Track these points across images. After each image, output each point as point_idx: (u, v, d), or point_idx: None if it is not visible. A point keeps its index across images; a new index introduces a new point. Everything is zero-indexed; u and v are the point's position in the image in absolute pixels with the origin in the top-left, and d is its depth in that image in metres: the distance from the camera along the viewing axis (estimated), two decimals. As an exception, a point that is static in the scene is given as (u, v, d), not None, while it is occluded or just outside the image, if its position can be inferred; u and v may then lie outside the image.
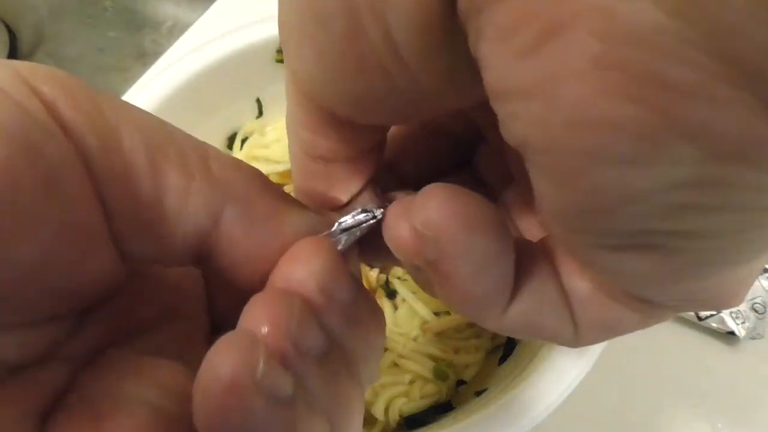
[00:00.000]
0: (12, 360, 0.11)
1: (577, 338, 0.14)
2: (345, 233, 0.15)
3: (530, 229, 0.16)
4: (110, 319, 0.13)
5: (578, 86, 0.08)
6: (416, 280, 0.15)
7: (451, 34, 0.10)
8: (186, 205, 0.12)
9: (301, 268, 0.13)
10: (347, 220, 0.15)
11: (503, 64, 0.09)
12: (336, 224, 0.15)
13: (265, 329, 0.12)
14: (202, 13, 0.56)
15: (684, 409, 0.39)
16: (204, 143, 0.14)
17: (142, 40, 0.62)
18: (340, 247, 0.15)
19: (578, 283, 0.13)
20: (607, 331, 0.14)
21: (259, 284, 0.13)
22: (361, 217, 0.15)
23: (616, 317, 0.13)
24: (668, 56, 0.07)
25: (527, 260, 0.14)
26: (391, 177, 0.18)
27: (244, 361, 0.11)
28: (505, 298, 0.13)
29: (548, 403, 0.27)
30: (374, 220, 0.15)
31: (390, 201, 0.15)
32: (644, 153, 0.08)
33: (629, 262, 0.11)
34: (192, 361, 0.14)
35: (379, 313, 0.15)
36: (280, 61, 0.40)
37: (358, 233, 0.15)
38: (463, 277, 0.13)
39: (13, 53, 0.60)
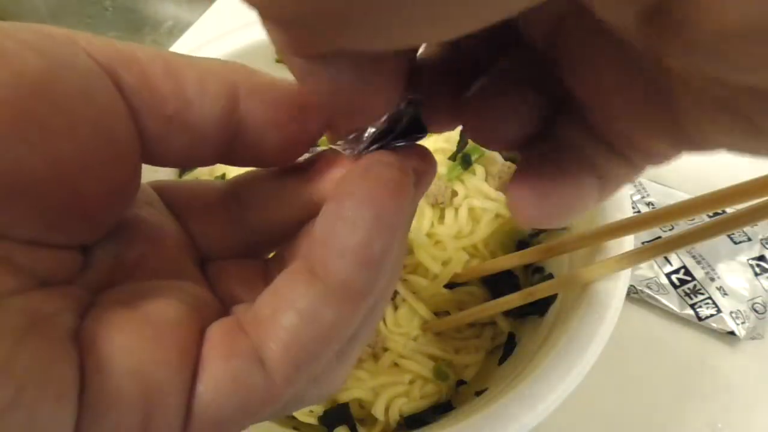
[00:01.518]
0: (42, 274, 0.13)
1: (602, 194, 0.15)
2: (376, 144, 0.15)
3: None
4: (110, 255, 0.14)
5: None
6: None
7: None
8: (205, 90, 0.14)
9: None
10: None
11: None
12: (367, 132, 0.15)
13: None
14: (202, 13, 0.56)
15: (684, 409, 0.39)
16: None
17: (142, 40, 0.62)
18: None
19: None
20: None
21: (287, 147, 0.15)
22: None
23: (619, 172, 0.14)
24: None
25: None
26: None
27: (397, 173, 0.13)
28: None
29: (548, 403, 0.27)
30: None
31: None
32: None
33: None
34: (193, 280, 0.15)
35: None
36: (280, 61, 0.40)
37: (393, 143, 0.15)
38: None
39: (13, 53, 0.59)
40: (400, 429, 0.36)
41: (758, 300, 0.41)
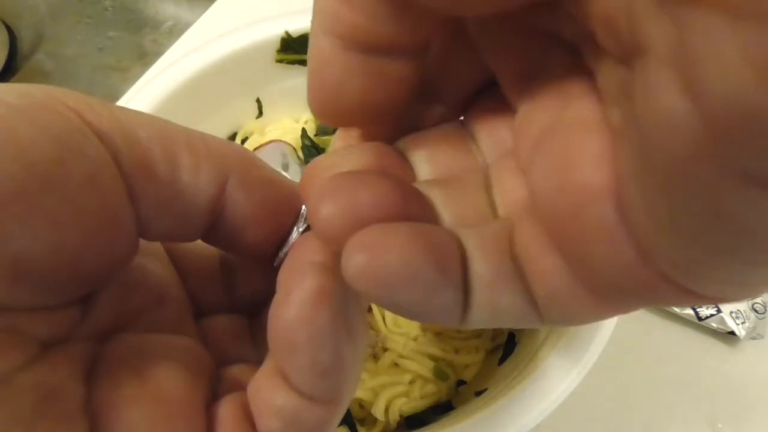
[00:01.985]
0: (44, 337, 0.13)
1: (541, 322, 0.13)
2: None
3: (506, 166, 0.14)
4: (111, 305, 0.15)
5: None
6: None
7: None
8: (198, 178, 0.14)
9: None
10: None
11: None
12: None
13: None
14: (202, 13, 0.56)
15: (684, 409, 0.39)
16: (203, 132, 0.15)
17: (142, 40, 0.62)
18: None
19: (549, 281, 0.12)
20: (570, 317, 0.13)
21: (266, 246, 0.16)
22: None
23: (581, 308, 0.12)
24: None
25: (479, 261, 0.12)
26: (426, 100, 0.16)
27: (331, 282, 0.13)
28: (458, 316, 0.12)
29: (548, 403, 0.27)
30: None
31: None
32: None
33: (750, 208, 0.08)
34: (179, 332, 0.16)
35: None
36: (280, 61, 0.40)
37: None
38: (404, 312, 0.12)
39: (13, 53, 0.59)
40: (400, 429, 0.36)
41: (758, 300, 0.41)
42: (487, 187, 0.14)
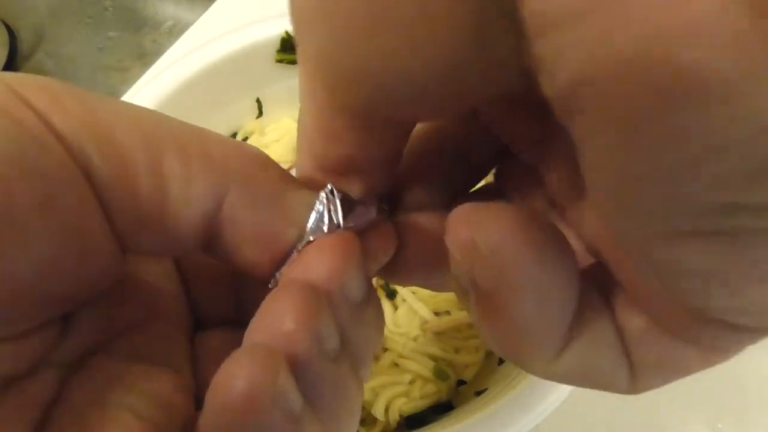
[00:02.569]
0: (6, 372, 0.12)
1: (634, 384, 0.12)
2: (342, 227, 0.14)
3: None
4: (95, 322, 0.13)
5: None
6: (463, 304, 0.14)
7: None
8: (189, 191, 0.12)
9: (324, 265, 0.12)
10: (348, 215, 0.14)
11: None
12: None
13: (290, 326, 0.11)
14: (202, 13, 0.56)
15: (684, 409, 0.39)
16: (203, 129, 0.13)
17: (142, 40, 0.62)
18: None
19: (633, 318, 0.11)
20: (666, 372, 0.12)
21: (265, 267, 0.13)
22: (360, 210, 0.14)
23: (677, 355, 0.11)
24: None
25: (583, 295, 0.11)
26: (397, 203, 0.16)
27: (264, 373, 0.11)
28: (561, 339, 0.11)
29: (548, 403, 0.27)
30: (375, 216, 0.14)
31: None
32: (752, 82, 0.06)
33: (695, 256, 0.08)
34: (176, 360, 0.14)
35: (381, 312, 0.15)
36: (280, 61, 0.40)
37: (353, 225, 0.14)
38: (521, 312, 0.11)
39: (13, 53, 0.59)
40: (400, 429, 0.36)
41: (758, 300, 0.41)
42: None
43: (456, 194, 0.16)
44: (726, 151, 0.07)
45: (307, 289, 0.12)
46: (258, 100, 0.42)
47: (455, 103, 0.11)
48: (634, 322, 0.11)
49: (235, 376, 0.11)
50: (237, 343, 0.15)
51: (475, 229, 0.11)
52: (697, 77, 0.06)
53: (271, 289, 0.13)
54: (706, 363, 0.12)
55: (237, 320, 0.16)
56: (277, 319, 0.12)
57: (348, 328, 0.13)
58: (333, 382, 0.12)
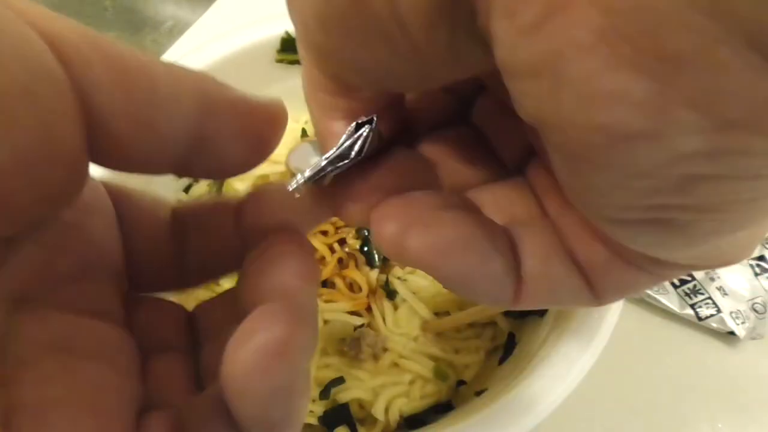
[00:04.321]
0: None
1: (597, 302, 0.14)
2: (331, 166, 0.14)
3: (552, 202, 0.15)
4: (35, 260, 0.13)
5: (584, 61, 0.08)
6: None
7: (456, 7, 0.10)
8: (179, 95, 0.13)
9: (287, 278, 0.14)
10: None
11: (511, 42, 0.09)
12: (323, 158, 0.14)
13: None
14: (202, 13, 0.56)
15: (684, 409, 0.39)
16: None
17: (142, 40, 0.62)
18: (325, 181, 0.14)
19: (594, 253, 0.13)
20: (624, 291, 0.14)
21: (247, 163, 0.15)
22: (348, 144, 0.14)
23: (632, 279, 0.13)
24: (669, 22, 0.07)
25: (530, 244, 0.14)
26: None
27: (286, 328, 0.12)
28: (510, 290, 0.14)
29: (548, 403, 0.27)
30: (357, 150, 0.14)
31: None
32: (653, 125, 0.08)
33: (643, 235, 0.11)
34: (106, 318, 0.14)
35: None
36: (281, 61, 0.40)
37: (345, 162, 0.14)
38: (456, 288, 0.14)
39: (13, 53, 0.59)
40: (400, 429, 0.36)
41: (758, 300, 0.41)
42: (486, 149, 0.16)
43: (438, 128, 0.17)
44: (645, 175, 0.09)
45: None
46: (258, 100, 0.42)
47: (423, 84, 0.13)
48: (596, 256, 0.13)
49: (266, 327, 0.12)
50: (172, 311, 0.16)
51: (400, 231, 0.13)
52: (616, 130, 0.09)
53: (292, 194, 0.14)
54: (657, 281, 0.14)
55: (168, 284, 0.16)
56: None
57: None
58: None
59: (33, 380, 0.12)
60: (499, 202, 0.15)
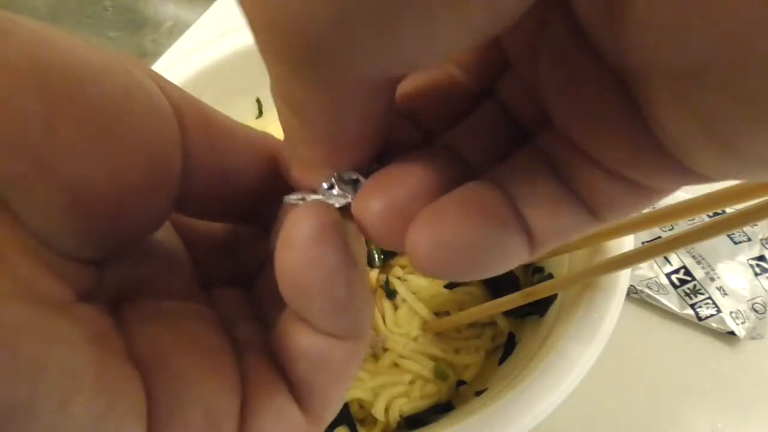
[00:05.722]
0: (76, 287, 0.12)
1: (598, 223, 0.13)
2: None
3: (584, 178, 0.14)
4: (125, 270, 0.14)
5: None
6: None
7: None
8: (249, 156, 0.14)
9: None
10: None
11: None
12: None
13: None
14: (202, 13, 0.56)
15: (684, 409, 0.39)
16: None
17: (142, 40, 0.62)
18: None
19: (595, 180, 0.13)
20: (627, 210, 0.13)
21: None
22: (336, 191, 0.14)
23: (634, 198, 0.13)
24: None
25: (532, 197, 0.13)
26: (405, 127, 0.16)
27: (329, 217, 0.12)
28: (526, 252, 0.13)
29: (548, 403, 0.27)
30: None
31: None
32: None
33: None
34: (192, 300, 0.16)
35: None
36: (280, 61, 0.40)
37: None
38: (479, 275, 0.13)
39: (13, 53, 0.59)
40: (400, 429, 0.36)
41: (758, 300, 0.41)
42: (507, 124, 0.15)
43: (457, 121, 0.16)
44: None
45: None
46: (258, 100, 0.42)
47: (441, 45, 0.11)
48: (599, 181, 0.13)
49: (307, 213, 0.12)
50: (240, 296, 0.17)
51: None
52: None
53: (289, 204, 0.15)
54: (659, 198, 0.13)
55: (234, 282, 0.17)
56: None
57: None
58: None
59: (144, 340, 0.13)
60: (475, 143, 0.14)
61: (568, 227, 0.13)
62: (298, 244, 0.12)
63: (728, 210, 0.30)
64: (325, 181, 0.14)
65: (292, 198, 0.15)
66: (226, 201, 0.15)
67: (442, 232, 0.12)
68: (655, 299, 0.42)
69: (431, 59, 0.10)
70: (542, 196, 0.13)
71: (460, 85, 0.16)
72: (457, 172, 0.14)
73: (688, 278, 0.42)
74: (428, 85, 0.16)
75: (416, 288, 0.38)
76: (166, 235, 0.16)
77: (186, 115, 0.13)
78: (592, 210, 0.13)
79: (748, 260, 0.43)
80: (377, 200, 0.13)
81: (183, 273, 0.16)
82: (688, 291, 0.42)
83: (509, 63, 0.15)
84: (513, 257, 0.13)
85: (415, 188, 0.13)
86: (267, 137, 0.15)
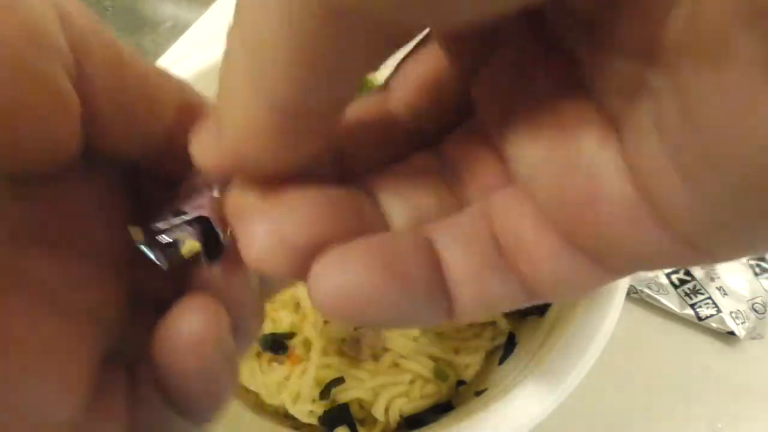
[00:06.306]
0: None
1: (535, 300, 0.12)
2: None
3: (479, 181, 0.13)
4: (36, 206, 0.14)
5: None
6: None
7: None
8: (165, 85, 0.14)
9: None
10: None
11: None
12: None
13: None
14: (202, 13, 0.56)
15: (684, 409, 0.39)
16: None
17: (142, 40, 0.62)
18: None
19: (540, 242, 0.11)
20: (569, 290, 0.12)
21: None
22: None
23: (584, 275, 0.11)
24: None
25: (455, 253, 0.12)
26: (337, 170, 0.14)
27: (213, 320, 0.13)
28: (442, 311, 0.12)
29: (548, 403, 0.27)
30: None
31: None
32: None
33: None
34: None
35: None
36: (280, 61, 0.40)
37: None
38: (385, 326, 0.13)
39: (13, 53, 0.59)
40: (400, 429, 0.36)
41: (758, 300, 0.41)
42: (448, 180, 0.13)
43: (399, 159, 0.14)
44: None
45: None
46: (258, 100, 0.42)
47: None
48: (544, 243, 0.11)
49: (190, 319, 0.13)
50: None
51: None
52: None
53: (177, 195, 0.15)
54: (613, 279, 0.12)
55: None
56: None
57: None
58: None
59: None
60: (403, 193, 0.13)
61: (497, 301, 0.12)
62: (183, 334, 0.13)
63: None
64: (222, 182, 0.13)
65: (187, 202, 0.14)
66: (136, 142, 0.14)
67: (348, 285, 0.10)
68: (655, 299, 0.42)
69: (470, 13, 0.09)
70: (473, 263, 0.11)
71: (400, 127, 0.14)
72: (375, 218, 0.12)
73: (688, 278, 0.42)
74: (364, 122, 0.14)
75: (416, 288, 0.38)
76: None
77: (93, 51, 0.13)
78: (525, 284, 0.11)
79: (748, 260, 0.43)
80: (272, 234, 0.11)
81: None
82: (688, 291, 0.42)
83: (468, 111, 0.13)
84: (428, 322, 0.12)
85: (319, 225, 0.11)
86: (184, 88, 0.15)
